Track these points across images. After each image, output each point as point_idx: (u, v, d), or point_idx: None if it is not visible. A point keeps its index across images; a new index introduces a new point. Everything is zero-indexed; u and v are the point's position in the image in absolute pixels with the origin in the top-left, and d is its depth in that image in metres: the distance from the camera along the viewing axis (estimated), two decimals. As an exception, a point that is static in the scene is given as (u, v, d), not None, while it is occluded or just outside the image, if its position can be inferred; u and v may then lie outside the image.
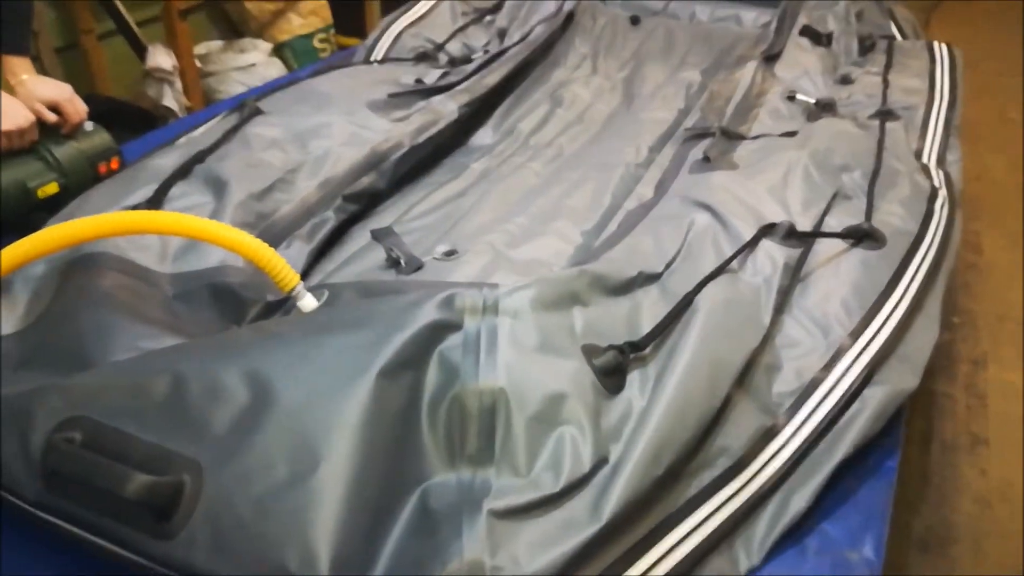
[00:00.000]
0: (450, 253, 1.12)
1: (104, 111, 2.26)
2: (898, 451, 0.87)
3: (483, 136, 1.55)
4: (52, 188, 1.21)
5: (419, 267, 1.09)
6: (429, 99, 1.40)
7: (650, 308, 0.88)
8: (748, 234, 0.99)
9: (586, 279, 0.85)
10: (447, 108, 1.40)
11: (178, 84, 2.20)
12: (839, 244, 1.04)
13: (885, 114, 1.38)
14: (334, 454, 0.65)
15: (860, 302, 0.96)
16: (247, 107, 1.27)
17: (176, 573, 0.65)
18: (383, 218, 1.27)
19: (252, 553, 0.63)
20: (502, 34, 1.81)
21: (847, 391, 0.87)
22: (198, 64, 2.33)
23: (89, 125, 1.28)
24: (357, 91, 1.37)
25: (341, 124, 1.25)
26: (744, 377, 0.86)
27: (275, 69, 2.51)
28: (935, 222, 1.10)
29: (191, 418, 0.68)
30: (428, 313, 0.74)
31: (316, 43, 2.73)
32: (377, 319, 0.74)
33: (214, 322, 0.86)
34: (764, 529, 0.78)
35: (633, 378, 0.80)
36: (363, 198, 1.23)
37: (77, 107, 1.23)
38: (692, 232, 1.01)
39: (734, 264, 0.95)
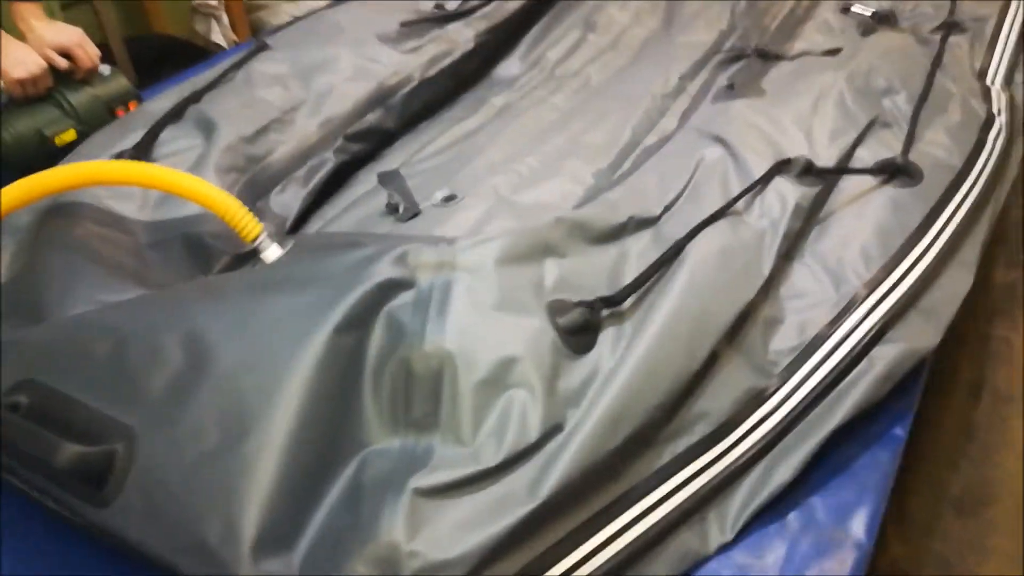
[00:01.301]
0: (449, 198, 1.07)
1: (158, 49, 2.29)
2: (910, 416, 0.79)
3: (509, 67, 1.46)
4: (70, 135, 1.22)
5: (416, 214, 1.05)
6: (445, 27, 1.33)
7: (639, 257, 0.81)
8: (761, 170, 0.89)
9: (564, 228, 0.79)
10: (463, 36, 1.32)
11: (225, 19, 2.18)
12: (868, 180, 0.93)
13: (950, 26, 1.22)
14: (268, 421, 0.63)
15: (883, 248, 0.86)
16: (255, 42, 1.23)
17: (116, 540, 0.65)
18: (393, 159, 1.22)
19: (177, 525, 0.61)
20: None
21: (853, 348, 0.78)
22: (245, -4, 2.30)
23: (106, 69, 1.27)
24: (371, 21, 1.31)
25: (348, 57, 1.20)
26: (736, 333, 0.79)
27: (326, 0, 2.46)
28: (985, 154, 0.97)
29: (130, 382, 0.67)
30: (380, 271, 0.70)
31: (369, -31, 2.65)
32: (326, 278, 0.71)
33: (182, 272, 0.85)
34: (740, 502, 0.72)
35: (606, 336, 0.74)
36: (370, 137, 1.18)
37: (88, 51, 1.22)
38: (700, 169, 0.93)
39: (739, 205, 0.86)
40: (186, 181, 0.77)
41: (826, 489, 0.73)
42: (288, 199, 1.03)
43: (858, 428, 0.77)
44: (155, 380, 0.66)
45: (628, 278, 0.78)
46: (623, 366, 0.70)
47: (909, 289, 0.82)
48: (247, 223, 0.79)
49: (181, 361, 0.66)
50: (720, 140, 0.96)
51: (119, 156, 0.97)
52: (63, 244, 0.82)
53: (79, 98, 1.23)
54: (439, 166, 1.19)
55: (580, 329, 0.72)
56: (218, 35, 2.18)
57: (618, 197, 0.89)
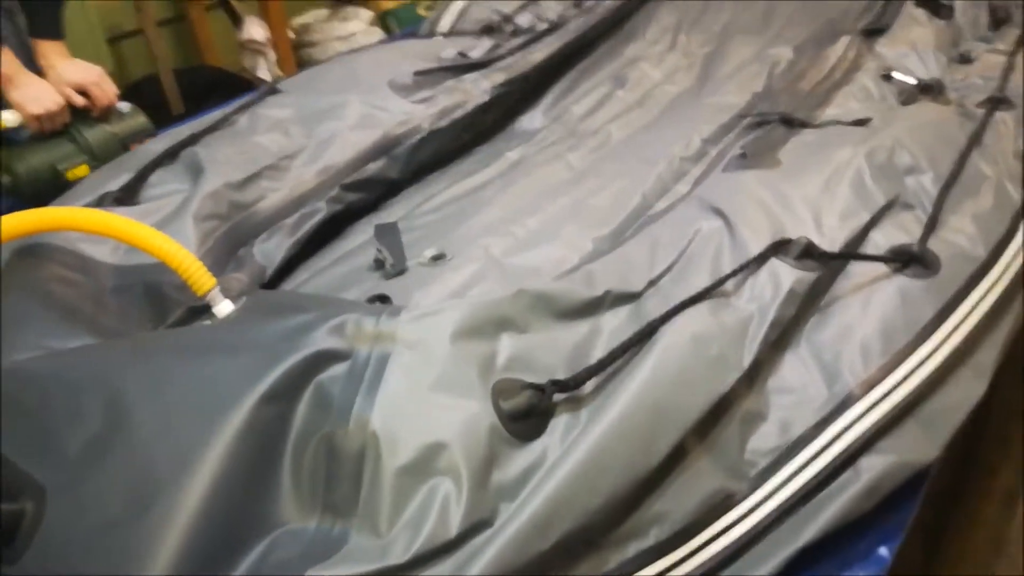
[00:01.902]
0: (438, 257, 1.03)
1: (208, 81, 2.35)
2: (900, 536, 0.70)
3: (532, 120, 1.43)
4: (83, 170, 1.24)
5: (401, 271, 1.01)
6: (461, 78, 1.30)
7: (610, 336, 0.75)
8: (757, 249, 0.83)
9: (524, 301, 0.74)
10: (479, 88, 1.29)
11: (272, 55, 2.23)
12: (879, 268, 0.85)
13: (997, 102, 1.12)
14: (176, 494, 0.58)
15: (885, 344, 0.77)
16: (265, 85, 1.23)
17: None
18: (395, 211, 1.20)
19: None
20: (579, 3, 1.66)
21: (838, 456, 0.70)
22: (294, 35, 2.35)
23: (125, 106, 1.30)
24: (387, 68, 1.29)
25: (355, 105, 1.18)
26: (709, 428, 0.72)
27: (375, 39, 2.49)
28: (1015, 246, 0.87)
29: (48, 439, 0.64)
30: (315, 340, 0.66)
31: (422, 11, 2.69)
32: (258, 344, 0.67)
33: (137, 321, 0.83)
34: None
35: (559, 423, 0.68)
36: (370, 187, 1.16)
37: (106, 90, 1.24)
38: (695, 242, 0.86)
39: (728, 286, 0.80)
40: (136, 230, 0.75)
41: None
42: (272, 248, 1.01)
43: (840, 544, 0.68)
44: (72, 440, 0.63)
45: (595, 359, 0.72)
46: (566, 459, 0.64)
47: (909, 395, 0.73)
48: (199, 277, 0.76)
49: (99, 422, 0.63)
50: (719, 212, 0.89)
51: (104, 197, 0.96)
52: (21, 286, 0.81)
53: (94, 134, 1.25)
54: (438, 221, 1.15)
55: (525, 414, 0.66)
56: (264, 71, 2.23)
57: (600, 268, 0.83)
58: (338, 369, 0.65)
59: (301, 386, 0.64)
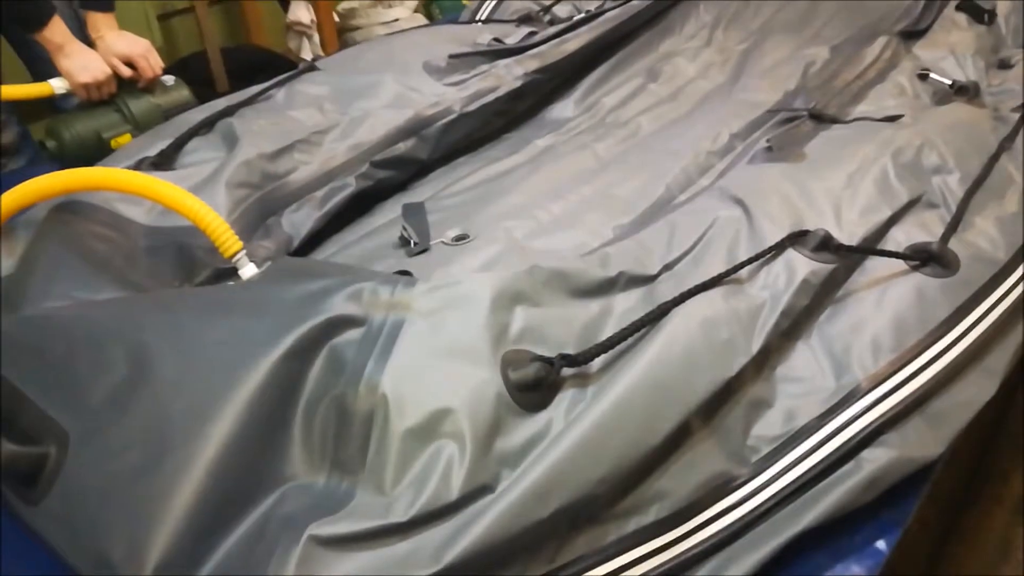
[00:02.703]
0: (460, 238, 1.05)
1: (253, 60, 2.39)
2: (898, 532, 0.70)
3: (563, 109, 1.44)
4: (126, 139, 1.28)
5: (425, 250, 1.03)
6: (495, 63, 1.32)
7: (622, 316, 0.76)
8: (774, 238, 0.83)
9: (539, 277, 0.75)
10: (511, 74, 1.31)
11: (316, 37, 2.26)
12: (897, 264, 0.85)
13: (1031, 108, 1.11)
14: (192, 446, 0.61)
15: (897, 341, 0.77)
16: (305, 63, 1.26)
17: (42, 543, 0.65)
18: (424, 191, 1.22)
19: (88, 536, 0.61)
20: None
21: (841, 447, 0.71)
22: (338, 19, 2.38)
23: (169, 80, 1.33)
24: (423, 50, 1.31)
25: (390, 85, 1.20)
26: (715, 411, 0.73)
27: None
28: (1037, 253, 0.87)
29: (74, 387, 0.67)
30: (332, 306, 0.68)
31: (466, 0, 2.71)
32: (278, 307, 0.69)
33: (167, 279, 0.86)
34: None
35: (564, 397, 0.69)
36: (399, 166, 1.18)
37: (152, 62, 1.28)
38: (712, 230, 0.87)
39: (743, 273, 0.80)
40: (169, 191, 0.78)
41: (784, 599, 0.65)
42: (301, 219, 1.04)
43: (837, 536, 0.69)
44: (96, 389, 0.67)
45: (605, 337, 0.73)
46: (570, 431, 0.65)
47: (917, 391, 0.73)
48: (227, 239, 0.79)
49: (123, 373, 0.66)
50: (739, 202, 0.90)
51: (141, 162, 1.00)
52: (56, 238, 0.84)
53: (139, 105, 1.29)
54: (464, 203, 1.17)
55: (533, 386, 0.67)
56: (308, 53, 2.27)
57: (616, 251, 0.84)
58: (352, 334, 0.67)
59: (316, 348, 0.66)
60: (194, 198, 0.78)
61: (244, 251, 0.80)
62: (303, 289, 0.71)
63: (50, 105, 1.45)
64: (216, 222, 0.78)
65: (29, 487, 0.66)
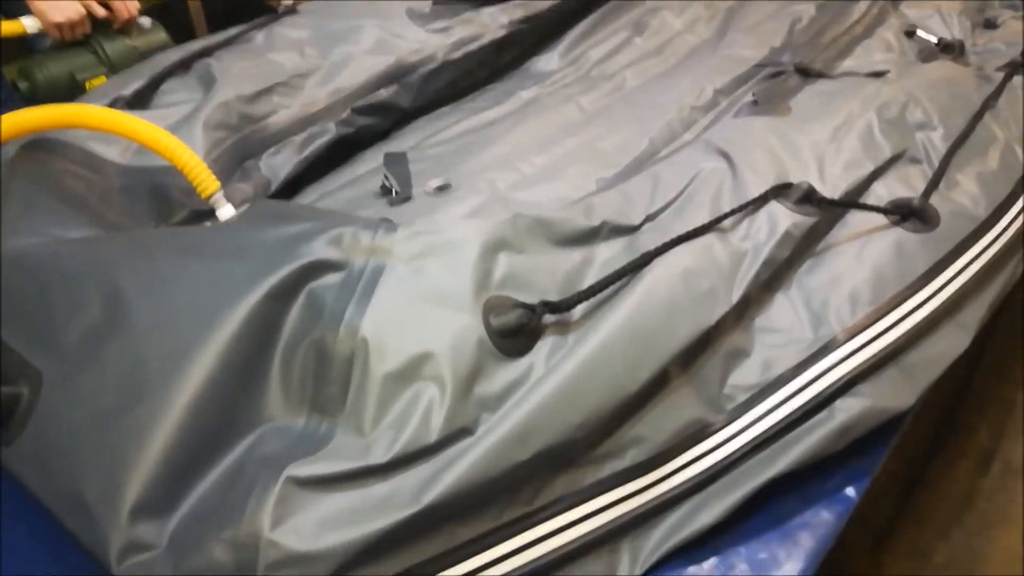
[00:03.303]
0: (443, 188, 1.04)
1: (234, 6, 2.32)
2: (867, 480, 0.71)
3: (547, 61, 1.42)
4: (100, 81, 1.24)
5: (406, 199, 1.02)
6: (479, 11, 1.29)
7: (604, 265, 0.76)
8: (757, 190, 0.83)
9: (523, 224, 0.74)
10: (496, 22, 1.29)
11: (295, -15, 2.20)
12: (878, 219, 0.85)
13: (1016, 66, 1.11)
14: (167, 389, 0.61)
15: (874, 294, 0.78)
16: (285, 6, 1.23)
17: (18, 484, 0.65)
18: (406, 140, 1.20)
19: (62, 477, 0.61)
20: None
21: (816, 396, 0.72)
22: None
23: (146, 21, 1.29)
24: (408, -5, 1.29)
25: (372, 30, 1.18)
26: (693, 359, 0.73)
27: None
28: (1015, 210, 0.87)
29: (48, 327, 0.67)
30: (312, 250, 0.67)
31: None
32: (256, 250, 0.68)
33: (142, 220, 0.84)
34: (659, 538, 0.67)
35: (545, 344, 0.69)
36: (380, 112, 1.16)
37: (127, 3, 1.24)
38: (696, 181, 0.86)
39: (725, 224, 0.80)
40: (145, 129, 0.76)
41: (755, 541, 0.67)
42: (280, 163, 1.02)
43: (808, 482, 0.70)
44: (70, 330, 0.66)
45: (585, 285, 0.73)
46: (551, 377, 0.65)
47: (892, 343, 0.74)
48: (204, 179, 0.78)
49: (97, 315, 0.66)
50: (724, 154, 0.89)
51: (116, 101, 0.97)
52: (27, 175, 0.82)
53: (114, 47, 1.25)
54: (447, 153, 1.16)
55: (514, 332, 0.67)
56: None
57: (599, 201, 0.84)
58: (332, 278, 0.67)
59: (295, 292, 0.66)
60: (171, 136, 0.77)
61: (221, 191, 0.78)
62: (283, 232, 0.70)
63: (23, 45, 1.40)
64: (193, 161, 0.77)
65: (3, 427, 0.65)
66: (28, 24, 1.20)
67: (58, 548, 0.68)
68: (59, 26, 1.20)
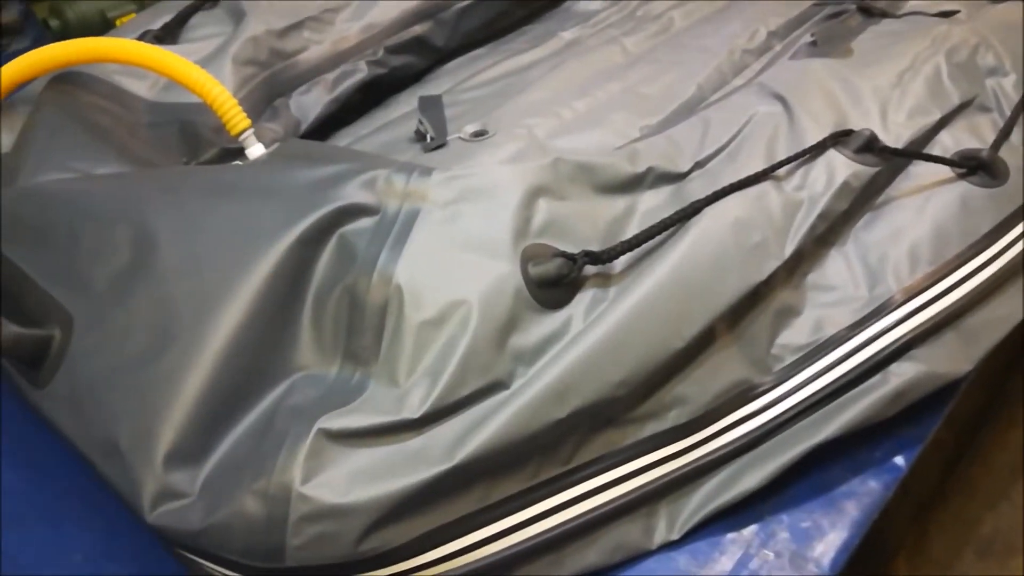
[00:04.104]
0: (479, 133, 0.99)
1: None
2: (918, 448, 0.68)
3: (591, 2, 1.35)
4: (131, 17, 1.21)
5: (441, 145, 0.98)
6: (519, -56, 1.23)
7: (649, 215, 0.72)
8: (815, 137, 0.78)
9: (564, 170, 0.71)
10: (535, -43, 1.22)
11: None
12: (943, 171, 0.80)
13: (1097, 10, 1.03)
14: (197, 334, 0.59)
15: (936, 251, 0.73)
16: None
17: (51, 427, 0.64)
18: (441, 83, 1.15)
19: (95, 422, 0.60)
20: None
21: (868, 359, 0.68)
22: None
23: None
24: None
25: None
26: (741, 317, 0.70)
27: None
28: (1091, 164, 0.81)
29: (77, 269, 0.65)
30: (345, 194, 0.64)
31: None
32: (288, 192, 0.65)
33: (171, 155, 0.82)
34: (698, 502, 0.65)
35: (585, 296, 0.66)
36: (415, 51, 1.12)
37: None
38: (749, 126, 0.81)
39: (780, 173, 0.75)
40: (174, 62, 0.73)
41: (798, 509, 0.64)
42: (310, 102, 0.99)
43: (855, 449, 0.67)
44: (100, 272, 0.64)
45: (628, 235, 0.69)
46: (591, 331, 0.62)
47: (952, 305, 0.70)
48: (234, 115, 0.75)
49: (126, 257, 0.64)
50: (780, 98, 0.84)
51: (144, 35, 0.94)
52: (55, 108, 0.80)
53: None
54: (484, 97, 1.11)
55: (553, 282, 0.64)
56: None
57: (645, 147, 0.80)
58: (365, 223, 0.64)
59: (326, 237, 0.63)
60: (200, 70, 0.74)
61: (252, 129, 0.75)
62: (314, 174, 0.67)
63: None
64: (223, 96, 0.73)
65: (34, 370, 0.64)
66: None
67: (61, 548, 0.69)
68: None
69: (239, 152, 0.78)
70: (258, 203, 0.65)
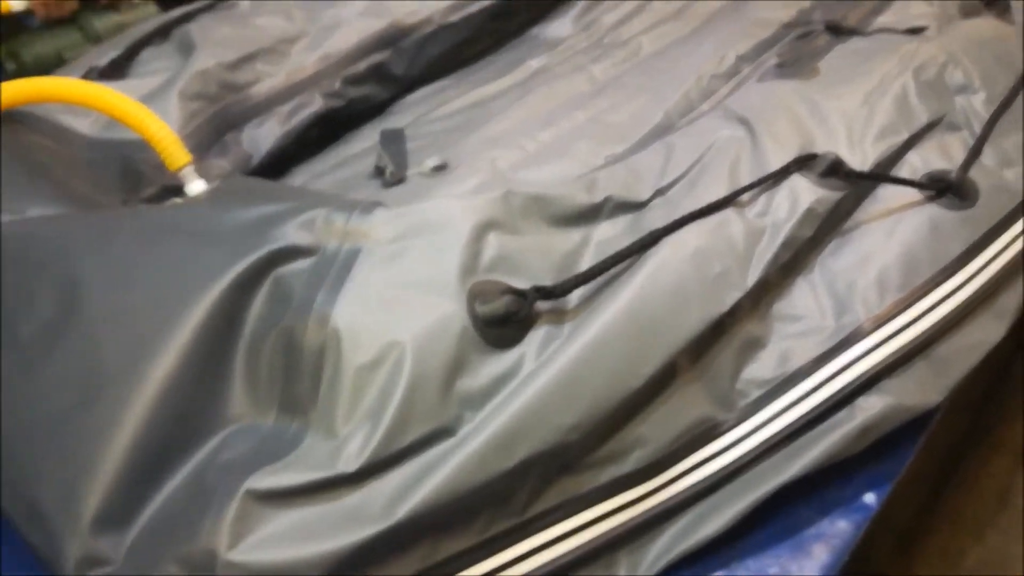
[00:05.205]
0: (440, 168, 0.97)
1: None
2: (890, 484, 0.64)
3: (559, 27, 1.33)
4: None
5: (400, 180, 0.95)
6: (482, -29, 1.21)
7: (604, 245, 0.69)
8: (779, 162, 0.75)
9: (516, 202, 0.68)
10: (499, -18, 1.20)
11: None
12: (911, 193, 0.77)
13: (1066, 25, 1.01)
14: (126, 389, 0.56)
15: (905, 277, 0.71)
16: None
17: None
18: (404, 115, 1.13)
19: (19, 483, 0.56)
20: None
21: (836, 393, 0.65)
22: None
23: None
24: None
25: None
26: (703, 351, 0.66)
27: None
28: (1062, 185, 0.79)
29: (3, 318, 0.62)
30: (283, 234, 0.61)
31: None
32: (223, 234, 0.62)
33: (111, 195, 0.79)
34: (659, 549, 0.61)
35: (538, 334, 0.63)
36: (374, 81, 1.09)
37: None
38: (711, 151, 0.79)
39: (742, 200, 0.73)
40: (109, 97, 0.71)
41: (765, 553, 0.60)
42: (263, 135, 0.96)
43: (823, 488, 0.63)
44: (26, 321, 0.61)
45: (582, 268, 0.66)
46: (542, 371, 0.59)
47: (923, 333, 0.67)
48: (173, 151, 0.72)
49: (54, 305, 0.61)
50: (744, 122, 0.81)
51: (89, 72, 0.91)
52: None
53: (103, 22, 1.20)
54: (447, 130, 1.08)
55: (503, 320, 0.61)
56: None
57: (605, 175, 0.77)
58: (302, 264, 0.61)
59: (261, 280, 0.60)
60: (138, 105, 0.71)
61: (191, 165, 0.72)
62: (251, 214, 0.64)
63: (16, 24, 1.35)
64: (162, 131, 0.71)
65: None
66: (13, 3, 1.15)
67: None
68: (45, 3, 1.15)
69: (180, 189, 0.75)
70: (192, 247, 0.62)
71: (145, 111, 0.71)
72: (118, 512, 0.54)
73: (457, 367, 0.58)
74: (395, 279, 0.60)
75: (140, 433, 0.55)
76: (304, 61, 1.01)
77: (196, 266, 0.60)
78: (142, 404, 0.55)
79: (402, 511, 0.52)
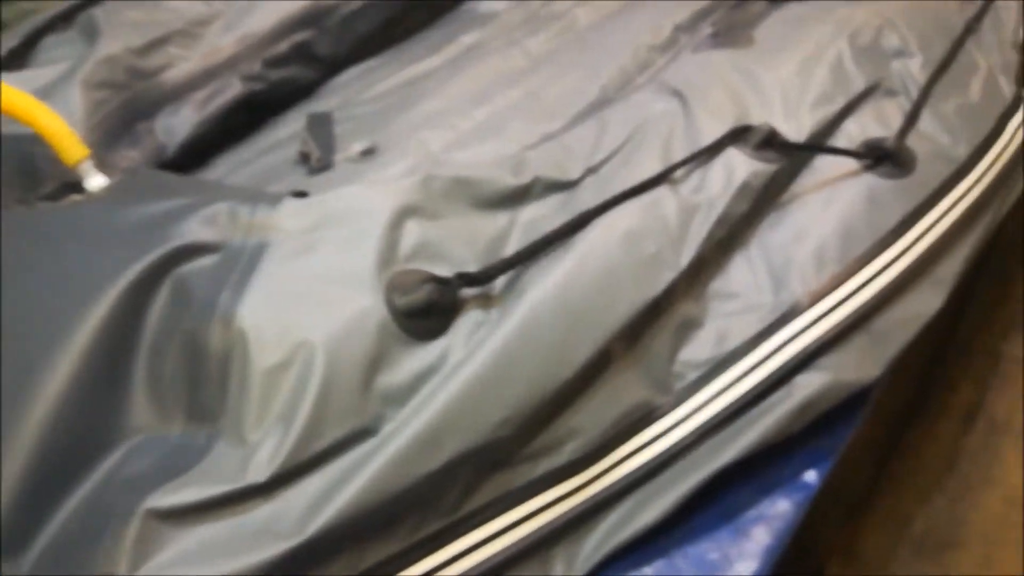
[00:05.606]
0: (368, 152, 0.93)
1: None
2: (830, 461, 0.63)
3: (492, 2, 1.29)
4: None
5: (326, 167, 0.91)
6: (410, -56, 1.16)
7: (531, 228, 0.66)
8: (714, 135, 0.73)
9: (437, 186, 0.64)
10: (427, -43, 1.16)
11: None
12: (849, 163, 0.76)
13: (1000, -15, 1.00)
14: (20, 405, 0.52)
15: (842, 250, 0.69)
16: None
17: None
18: (332, 98, 1.08)
19: None
20: None
21: (774, 372, 0.63)
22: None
23: None
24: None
25: None
26: (640, 334, 0.64)
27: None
28: (998, 148, 0.78)
29: None
30: (184, 231, 0.57)
31: None
32: (121, 233, 0.58)
33: (9, 192, 0.73)
34: (596, 541, 0.59)
35: (465, 323, 0.59)
36: (298, 64, 1.04)
37: None
38: (644, 126, 0.76)
39: (675, 176, 0.70)
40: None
41: (705, 539, 0.59)
42: (178, 123, 0.90)
43: (763, 469, 0.61)
44: None
45: (509, 253, 0.63)
46: (468, 363, 0.56)
47: (861, 307, 0.65)
48: (68, 145, 0.67)
49: None
50: (678, 94, 0.79)
51: (-10, 60, 0.85)
52: None
53: (10, 11, 1.13)
54: (377, 112, 1.03)
55: (424, 311, 0.58)
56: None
57: (535, 155, 0.74)
58: (205, 262, 0.57)
59: (160, 281, 0.56)
60: (27, 96, 0.66)
61: (90, 160, 0.67)
62: (151, 211, 0.59)
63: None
64: (54, 124, 0.66)
65: None
66: None
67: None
68: None
69: (79, 185, 0.70)
70: (87, 249, 0.58)
71: (35, 103, 0.66)
72: (15, 536, 0.50)
73: (376, 363, 0.55)
74: (306, 273, 0.57)
75: (36, 450, 0.51)
76: (220, 43, 0.96)
77: (90, 269, 0.56)
78: (36, 420, 0.51)
79: (315, 525, 0.49)
